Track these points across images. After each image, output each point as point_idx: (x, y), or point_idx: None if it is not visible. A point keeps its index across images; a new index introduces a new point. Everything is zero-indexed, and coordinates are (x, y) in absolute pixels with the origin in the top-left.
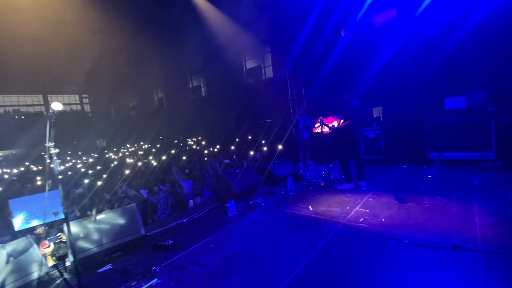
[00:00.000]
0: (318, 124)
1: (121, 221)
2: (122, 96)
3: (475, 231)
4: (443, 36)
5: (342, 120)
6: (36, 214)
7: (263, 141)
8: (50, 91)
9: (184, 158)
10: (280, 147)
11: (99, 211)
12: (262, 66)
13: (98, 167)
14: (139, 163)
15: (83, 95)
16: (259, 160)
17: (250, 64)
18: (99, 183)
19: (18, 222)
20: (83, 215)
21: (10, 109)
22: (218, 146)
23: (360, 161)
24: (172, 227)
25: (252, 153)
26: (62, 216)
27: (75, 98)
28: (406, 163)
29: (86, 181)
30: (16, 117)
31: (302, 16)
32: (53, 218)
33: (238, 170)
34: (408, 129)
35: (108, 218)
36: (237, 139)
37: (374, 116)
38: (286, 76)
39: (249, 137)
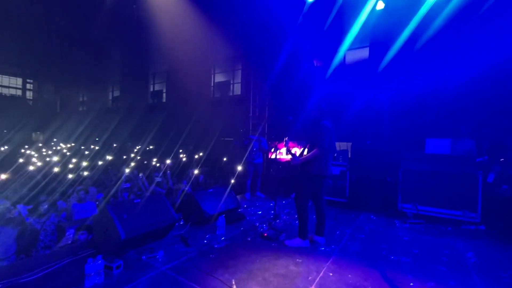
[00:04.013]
0: (273, 149)
1: None
2: (72, 89)
3: None
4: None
5: (305, 148)
6: None
7: (217, 161)
8: None
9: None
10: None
11: None
12: (231, 82)
13: None
14: (55, 168)
15: (28, 80)
16: (201, 184)
17: (219, 78)
18: None
19: None
20: None
21: None
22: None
23: (321, 206)
24: None
25: (196, 172)
26: None
27: (17, 81)
28: (374, 212)
29: None
30: None
31: (278, 39)
32: None
33: (137, 200)
34: (380, 171)
35: None
36: (185, 155)
37: (341, 149)
38: (251, 95)
39: (200, 154)
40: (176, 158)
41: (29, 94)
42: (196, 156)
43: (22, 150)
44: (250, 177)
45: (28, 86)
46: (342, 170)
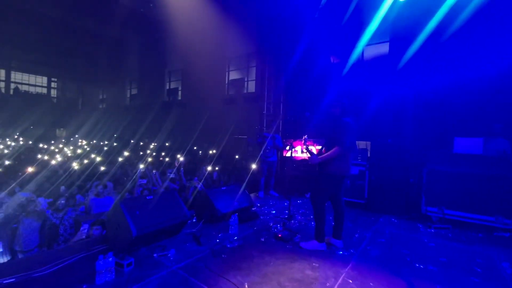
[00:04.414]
0: (288, 147)
1: None
2: (92, 87)
3: None
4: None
5: (323, 146)
6: None
7: (232, 159)
8: (15, 68)
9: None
10: (251, 168)
11: None
12: (246, 79)
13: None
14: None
15: (52, 79)
16: (215, 181)
17: (233, 75)
18: None
19: None
20: None
21: None
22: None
23: (339, 207)
24: None
25: (209, 169)
26: None
27: (42, 80)
28: (395, 215)
29: None
30: None
31: (293, 35)
32: None
33: (150, 196)
34: (402, 171)
35: None
36: (200, 151)
37: (360, 147)
38: (265, 91)
39: (214, 151)
40: (190, 155)
41: (53, 92)
42: (210, 153)
43: (46, 146)
44: (264, 175)
45: (52, 84)
46: (361, 169)
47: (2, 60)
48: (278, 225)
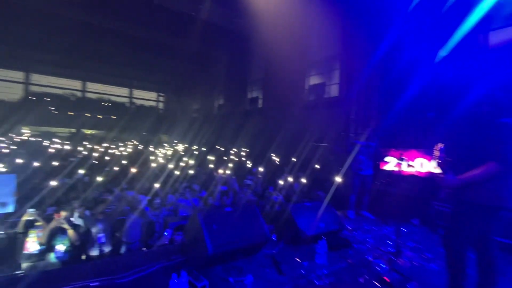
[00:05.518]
0: (395, 159)
1: None
2: (189, 99)
3: None
4: None
5: (457, 160)
6: None
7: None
8: (135, 86)
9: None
10: (335, 180)
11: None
12: (327, 84)
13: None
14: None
15: (160, 94)
16: (296, 193)
17: (313, 80)
18: (99, 178)
19: None
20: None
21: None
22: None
23: (489, 254)
24: None
25: (290, 180)
26: (10, 209)
27: (152, 95)
28: None
29: (81, 171)
30: (103, 103)
31: (384, 27)
32: None
33: (229, 208)
34: None
35: None
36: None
37: None
38: (353, 94)
39: (294, 160)
40: (268, 163)
41: (160, 105)
42: (290, 162)
43: (153, 149)
44: (356, 192)
45: (160, 98)
46: None
47: (126, 80)
48: (381, 262)
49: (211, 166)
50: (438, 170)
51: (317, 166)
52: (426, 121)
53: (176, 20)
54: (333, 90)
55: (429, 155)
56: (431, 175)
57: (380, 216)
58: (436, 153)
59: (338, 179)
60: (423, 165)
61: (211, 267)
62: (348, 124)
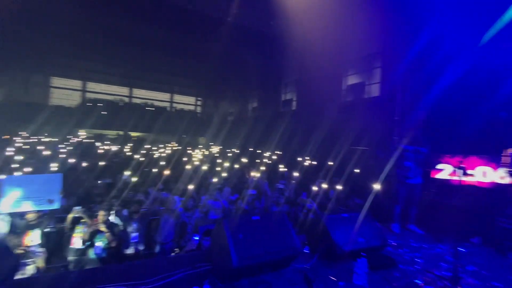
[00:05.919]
0: (450, 167)
1: None
2: (225, 103)
3: None
4: None
5: None
6: (30, 198)
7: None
8: (175, 92)
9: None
10: (373, 188)
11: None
12: (366, 83)
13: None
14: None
15: (198, 98)
16: (331, 201)
17: (351, 80)
18: (133, 179)
19: (7, 204)
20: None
21: (145, 101)
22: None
23: None
24: None
25: (325, 186)
26: (56, 205)
27: (191, 99)
28: None
29: (126, 173)
30: (147, 108)
31: (428, 18)
32: (46, 206)
33: (256, 217)
34: None
35: None
36: (312, 164)
37: None
38: (398, 93)
39: (330, 164)
40: (301, 167)
41: (198, 109)
42: (325, 167)
43: (191, 151)
44: (401, 203)
45: (198, 102)
46: None
47: (167, 86)
48: None
49: (244, 168)
50: (507, 180)
51: (356, 172)
52: (491, 123)
53: (211, 25)
54: (374, 90)
55: (494, 162)
56: (497, 186)
57: (431, 231)
58: (506, 159)
59: (377, 186)
60: (487, 174)
61: (237, 280)
62: (392, 126)
